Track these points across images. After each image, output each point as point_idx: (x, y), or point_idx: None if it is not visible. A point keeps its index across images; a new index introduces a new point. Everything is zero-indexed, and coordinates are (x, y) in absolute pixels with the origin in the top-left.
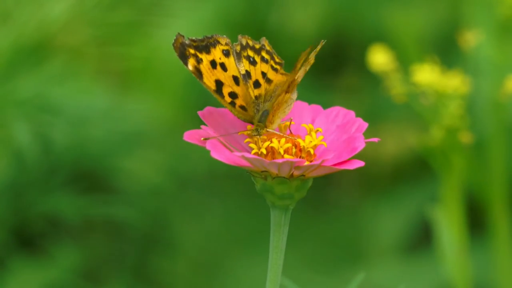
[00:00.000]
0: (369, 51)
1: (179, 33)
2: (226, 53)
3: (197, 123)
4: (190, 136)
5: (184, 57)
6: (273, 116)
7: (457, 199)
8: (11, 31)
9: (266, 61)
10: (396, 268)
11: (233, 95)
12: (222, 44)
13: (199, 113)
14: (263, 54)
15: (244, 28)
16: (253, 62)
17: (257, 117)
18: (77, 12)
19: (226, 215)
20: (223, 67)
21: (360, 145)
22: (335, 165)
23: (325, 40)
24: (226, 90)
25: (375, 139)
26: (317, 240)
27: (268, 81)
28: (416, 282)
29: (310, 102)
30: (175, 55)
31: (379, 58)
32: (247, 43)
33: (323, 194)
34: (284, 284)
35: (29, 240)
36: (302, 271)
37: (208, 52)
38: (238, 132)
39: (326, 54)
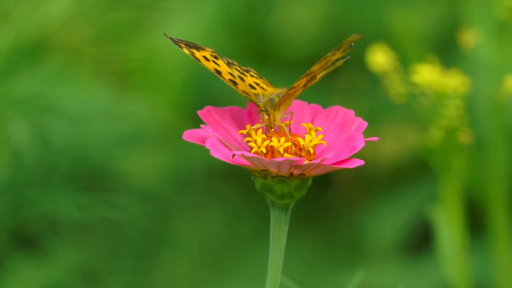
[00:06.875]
0: (368, 51)
1: (165, 34)
2: (215, 57)
3: (196, 123)
4: (189, 136)
5: (178, 46)
6: (279, 105)
7: (457, 199)
8: (10, 31)
9: (256, 78)
10: (395, 268)
11: (233, 82)
12: (208, 51)
13: (199, 112)
14: (251, 73)
15: (243, 28)
16: (242, 73)
17: (263, 102)
18: (76, 12)
19: (226, 215)
20: (216, 63)
21: (360, 144)
22: (334, 164)
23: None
24: (226, 76)
25: (375, 138)
26: (316, 240)
27: (263, 88)
28: (416, 282)
29: (309, 101)
30: (174, 55)
31: (379, 58)
32: (232, 62)
33: (322, 194)
34: (283, 283)
35: (28, 240)
36: (301, 270)
37: (198, 50)
38: (238, 132)
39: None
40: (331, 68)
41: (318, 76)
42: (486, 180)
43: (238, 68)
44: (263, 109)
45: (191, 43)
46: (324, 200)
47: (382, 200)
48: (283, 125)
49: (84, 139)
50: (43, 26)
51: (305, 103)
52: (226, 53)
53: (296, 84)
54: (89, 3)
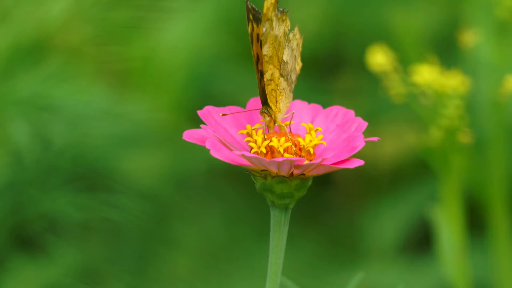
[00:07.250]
0: (368, 51)
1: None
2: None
3: (196, 123)
4: (190, 136)
5: (248, 18)
6: (276, 100)
7: (457, 199)
8: (10, 30)
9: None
10: (395, 268)
11: (261, 74)
12: (262, 24)
13: (199, 112)
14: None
15: (243, 28)
16: None
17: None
18: (76, 12)
19: (226, 215)
20: (261, 45)
21: (360, 144)
22: (334, 164)
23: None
24: (259, 66)
25: (375, 138)
26: (316, 240)
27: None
28: (415, 282)
29: (309, 102)
30: (173, 55)
31: (379, 58)
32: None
33: (322, 194)
34: (283, 283)
35: (28, 240)
36: (301, 270)
37: (258, 24)
38: (238, 131)
39: (326, 55)
40: (295, 47)
41: (287, 59)
42: (486, 180)
43: None
44: (265, 110)
45: (257, 13)
46: (324, 200)
47: (382, 200)
48: (283, 125)
49: (84, 139)
50: (43, 26)
51: (305, 103)
52: (226, 53)
53: (269, 76)
54: (89, 3)
